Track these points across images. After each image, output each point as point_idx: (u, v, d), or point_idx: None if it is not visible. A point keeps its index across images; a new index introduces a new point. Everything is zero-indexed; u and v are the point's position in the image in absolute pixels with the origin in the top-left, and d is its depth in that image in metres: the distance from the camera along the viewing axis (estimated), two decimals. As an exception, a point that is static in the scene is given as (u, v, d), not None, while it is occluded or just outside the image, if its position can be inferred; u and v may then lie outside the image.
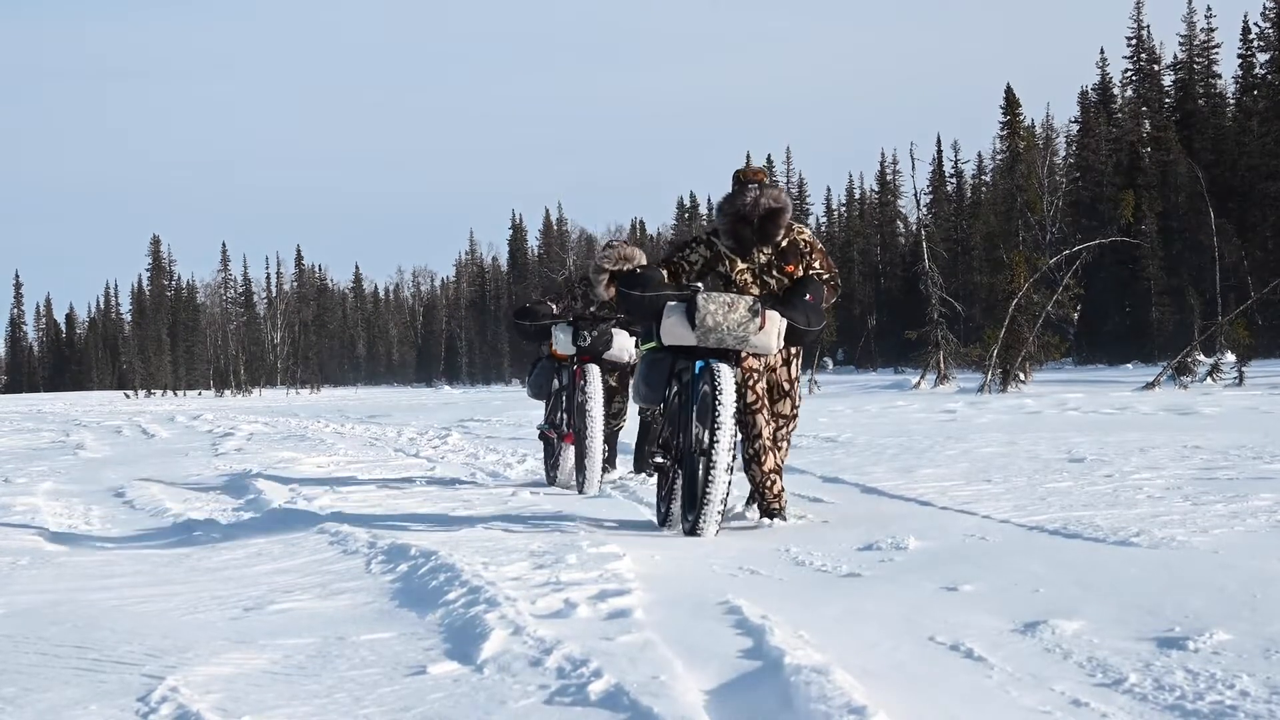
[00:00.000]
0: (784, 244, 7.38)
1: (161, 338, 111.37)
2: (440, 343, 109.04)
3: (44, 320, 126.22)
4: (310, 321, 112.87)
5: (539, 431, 10.77)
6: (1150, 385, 24.46)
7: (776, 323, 6.99)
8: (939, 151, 72.45)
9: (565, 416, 10.32)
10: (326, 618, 5.25)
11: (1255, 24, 55.80)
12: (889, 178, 78.91)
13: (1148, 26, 59.27)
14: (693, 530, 6.86)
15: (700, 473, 6.88)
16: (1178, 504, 7.16)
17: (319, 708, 3.94)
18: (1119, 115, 60.92)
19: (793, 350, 7.41)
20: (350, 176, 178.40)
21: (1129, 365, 47.67)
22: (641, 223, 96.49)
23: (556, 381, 10.62)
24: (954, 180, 72.29)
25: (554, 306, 10.57)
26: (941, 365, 33.81)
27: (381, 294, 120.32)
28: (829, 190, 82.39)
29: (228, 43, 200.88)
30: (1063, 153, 65.40)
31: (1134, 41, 59.71)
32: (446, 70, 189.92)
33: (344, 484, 10.74)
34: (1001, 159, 58.13)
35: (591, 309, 10.52)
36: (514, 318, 10.69)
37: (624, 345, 10.34)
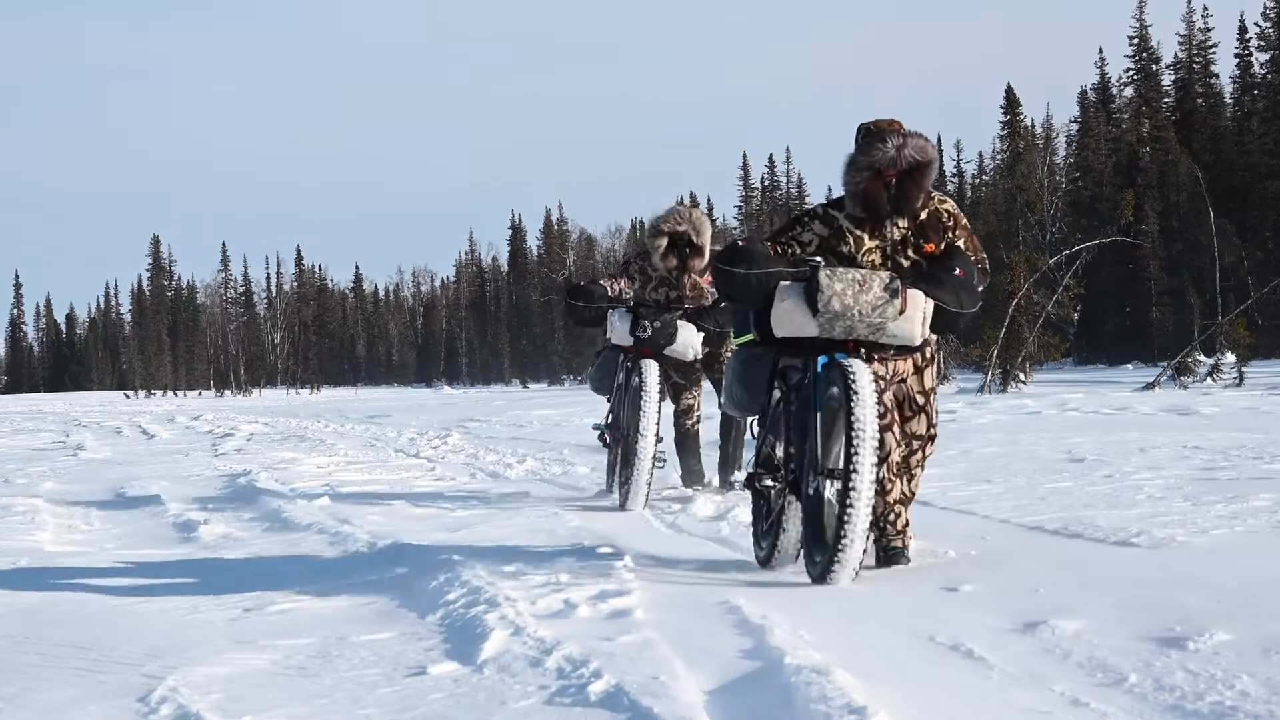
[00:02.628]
0: (923, 215, 5.86)
1: (161, 338, 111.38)
2: (440, 343, 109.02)
3: (44, 320, 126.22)
4: (310, 321, 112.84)
5: (598, 432, 9.23)
6: (1150, 385, 24.44)
7: (920, 305, 5.56)
8: (939, 151, 72.41)
9: (623, 421, 8.84)
10: (326, 618, 5.26)
11: (1255, 24, 55.83)
12: (889, 178, 78.87)
13: (1150, 26, 59.28)
14: (823, 576, 5.39)
15: (833, 503, 5.47)
16: (1178, 504, 7.16)
17: (319, 708, 3.95)
18: (1119, 115, 60.95)
19: (927, 353, 5.97)
20: (350, 176, 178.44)
21: (1129, 365, 47.65)
22: (641, 223, 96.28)
23: (621, 376, 8.97)
24: (954, 180, 72.28)
25: (609, 287, 8.96)
26: (941, 365, 33.77)
27: (381, 294, 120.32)
28: (829, 190, 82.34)
29: (228, 43, 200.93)
30: (1063, 153, 65.38)
31: (1135, 41, 59.73)
32: (446, 70, 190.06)
33: (344, 484, 10.74)
34: (1001, 159, 58.14)
35: (651, 289, 8.96)
36: (568, 298, 9.09)
37: (689, 341, 8.72)
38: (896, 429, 5.86)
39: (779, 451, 5.91)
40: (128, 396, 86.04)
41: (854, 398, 5.31)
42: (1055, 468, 9.42)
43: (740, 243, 5.77)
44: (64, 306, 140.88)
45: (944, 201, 5.95)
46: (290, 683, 4.24)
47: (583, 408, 25.12)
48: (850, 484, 5.26)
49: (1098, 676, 3.92)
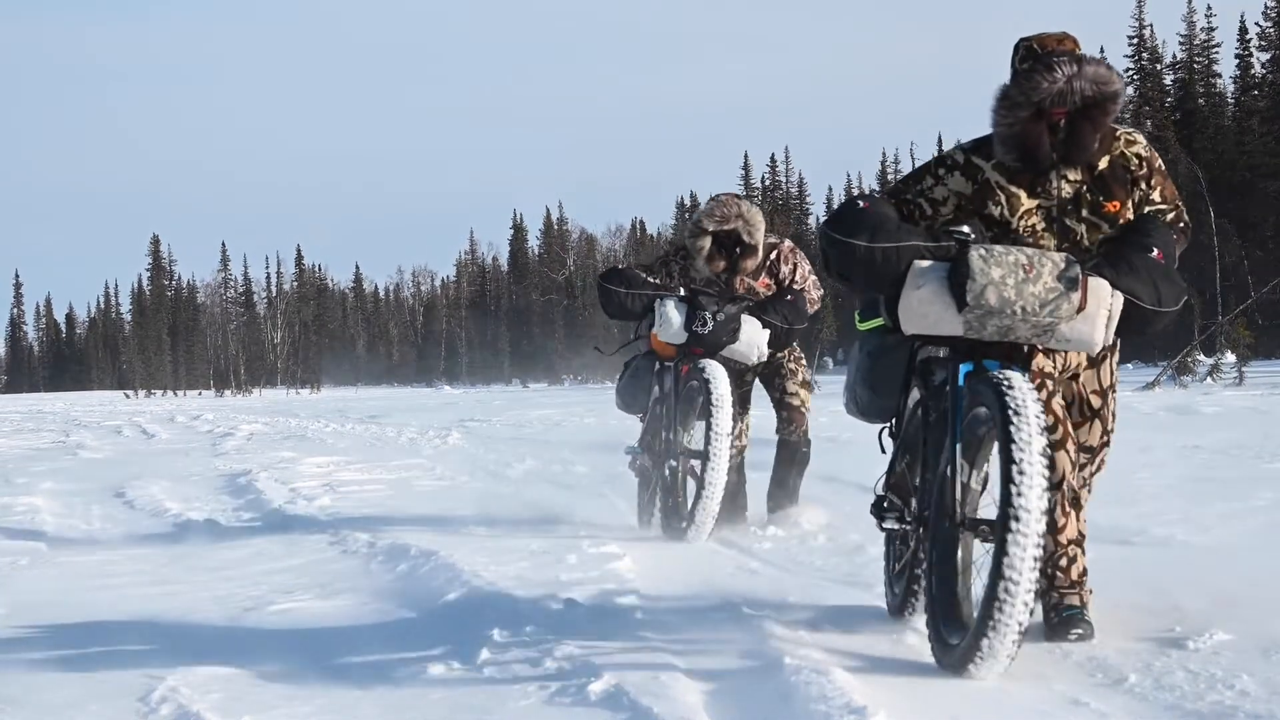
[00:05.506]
0: (1103, 164, 4.41)
1: (161, 338, 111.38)
2: (440, 343, 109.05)
3: (44, 320, 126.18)
4: (310, 321, 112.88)
5: (629, 458, 7.68)
6: (1150, 385, 24.45)
7: (1105, 300, 4.16)
8: (939, 151, 72.43)
9: (667, 438, 7.24)
10: (327, 618, 5.25)
11: (1255, 24, 55.88)
12: (889, 178, 78.96)
13: (1150, 25, 59.31)
14: (960, 666, 3.92)
15: (981, 569, 4.08)
16: (1178, 503, 7.16)
17: (319, 708, 3.95)
18: (1119, 114, 60.93)
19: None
20: (350, 176, 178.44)
21: (1129, 365, 47.59)
22: (642, 223, 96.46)
23: (657, 387, 7.40)
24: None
25: (647, 277, 7.42)
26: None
27: (381, 294, 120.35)
28: (829, 190, 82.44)
29: (228, 43, 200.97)
30: (1063, 152, 65.44)
31: (1135, 40, 59.76)
32: (447, 70, 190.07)
33: (344, 484, 10.74)
34: (1001, 159, 58.06)
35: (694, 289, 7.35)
36: (603, 282, 7.39)
37: (754, 339, 7.17)
38: (1071, 443, 4.46)
39: (915, 473, 4.57)
40: (128, 396, 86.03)
41: (1014, 425, 3.92)
42: (1055, 467, 9.41)
43: (860, 203, 4.35)
44: (64, 306, 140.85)
45: (1133, 141, 4.49)
46: (290, 683, 4.24)
47: (582, 407, 25.11)
48: (1008, 545, 3.85)
49: (1098, 676, 3.91)
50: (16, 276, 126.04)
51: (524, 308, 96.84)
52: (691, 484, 7.04)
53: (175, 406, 49.60)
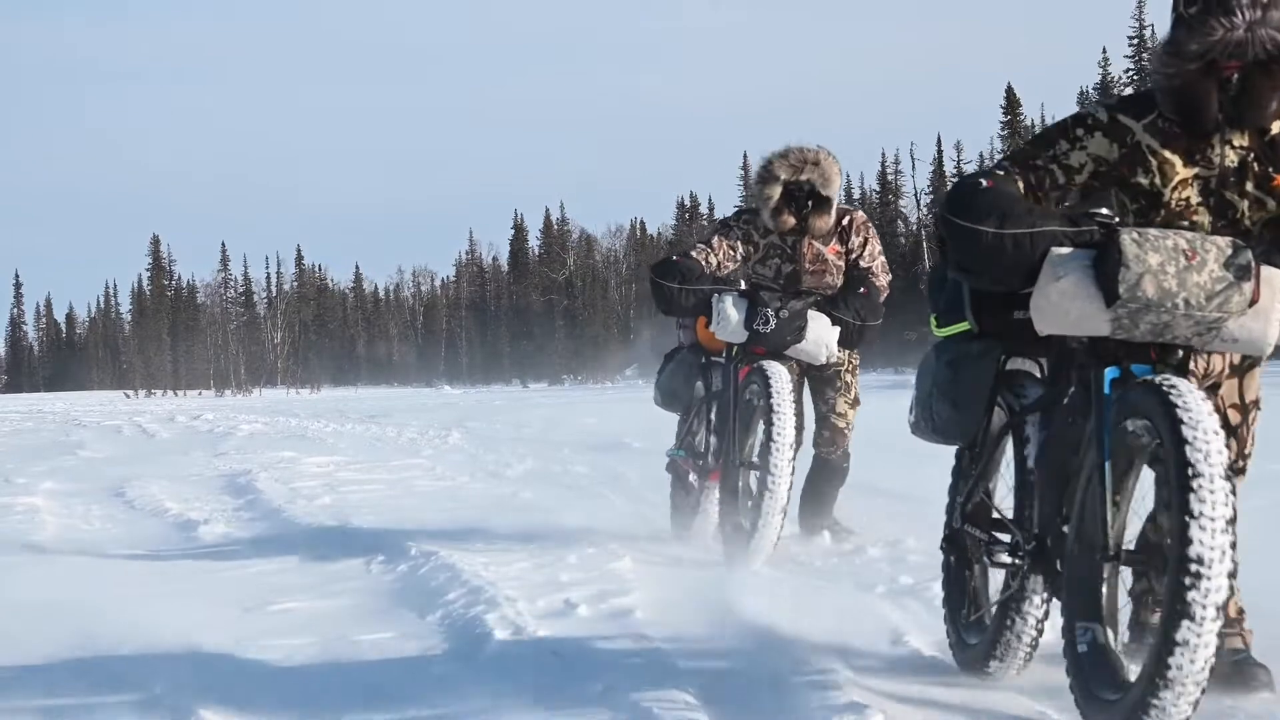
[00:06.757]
0: (1275, 131, 3.75)
1: (161, 338, 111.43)
2: (440, 343, 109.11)
3: (44, 320, 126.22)
4: (310, 321, 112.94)
5: (668, 459, 7.22)
6: (1150, 385, 24.48)
7: (1279, 293, 3.52)
8: (939, 151, 72.44)
9: (714, 441, 6.76)
10: (327, 618, 5.26)
11: (1255, 24, 56.01)
12: (889, 178, 78.96)
13: (1150, 25, 59.34)
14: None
15: (1157, 609, 3.56)
16: (1178, 504, 7.14)
17: (319, 708, 3.95)
18: (1120, 115, 61.07)
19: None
20: (350, 176, 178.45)
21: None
22: (642, 223, 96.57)
23: (701, 383, 6.96)
24: (955, 180, 72.25)
25: (704, 260, 6.66)
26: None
27: (381, 294, 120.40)
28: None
29: (228, 43, 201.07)
30: (1063, 152, 65.39)
31: (1135, 41, 59.80)
32: (448, 70, 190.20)
33: (344, 484, 10.74)
34: (1002, 159, 58.16)
35: (757, 261, 6.78)
36: (655, 276, 6.63)
37: (822, 337, 6.50)
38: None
39: (997, 500, 4.12)
40: (128, 396, 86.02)
41: (1191, 441, 3.32)
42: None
43: (983, 181, 3.71)
44: (64, 306, 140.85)
45: None
46: (290, 683, 4.24)
47: (584, 407, 25.12)
48: (1189, 583, 3.27)
49: (1098, 676, 3.91)
50: (16, 276, 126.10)
51: (524, 308, 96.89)
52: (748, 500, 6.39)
53: (175, 406, 49.60)
